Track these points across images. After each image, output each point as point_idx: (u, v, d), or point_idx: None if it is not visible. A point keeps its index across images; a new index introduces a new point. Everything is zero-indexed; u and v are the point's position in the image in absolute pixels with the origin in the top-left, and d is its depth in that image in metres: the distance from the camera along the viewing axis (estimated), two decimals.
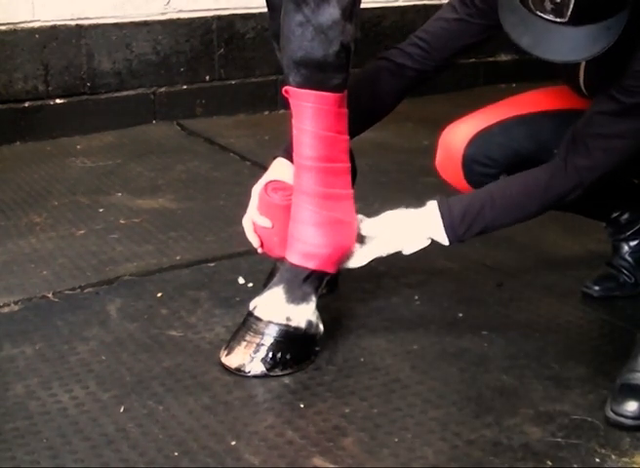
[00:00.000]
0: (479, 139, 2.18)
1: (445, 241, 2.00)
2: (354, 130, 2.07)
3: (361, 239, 2.06)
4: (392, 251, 2.05)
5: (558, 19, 1.76)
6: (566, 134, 2.00)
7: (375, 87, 2.18)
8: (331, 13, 1.89)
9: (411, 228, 2.02)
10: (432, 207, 2.01)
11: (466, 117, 2.24)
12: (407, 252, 2.05)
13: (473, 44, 2.15)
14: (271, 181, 2.14)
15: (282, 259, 2.09)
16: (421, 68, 2.17)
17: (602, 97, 1.92)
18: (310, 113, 1.96)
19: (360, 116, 2.12)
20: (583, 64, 2.03)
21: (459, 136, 2.21)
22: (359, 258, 2.07)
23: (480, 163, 2.18)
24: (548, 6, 1.75)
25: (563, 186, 1.95)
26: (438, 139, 2.28)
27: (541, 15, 1.77)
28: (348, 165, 2.06)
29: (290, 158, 2.11)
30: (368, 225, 2.06)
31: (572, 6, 1.74)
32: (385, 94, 2.19)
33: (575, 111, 2.13)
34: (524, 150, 2.16)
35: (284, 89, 1.98)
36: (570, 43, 1.78)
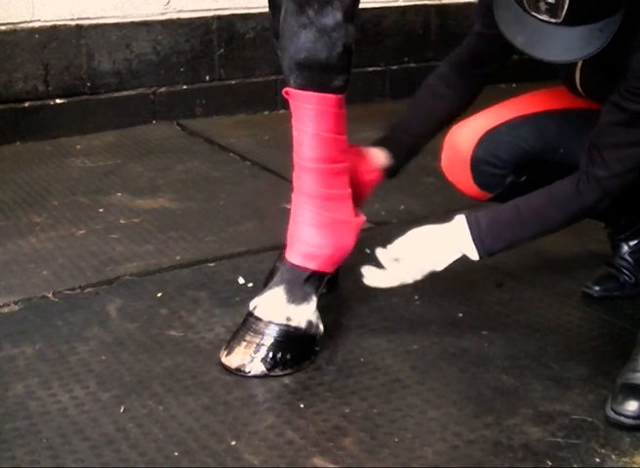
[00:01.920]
0: (487, 140, 2.16)
1: (474, 255, 1.98)
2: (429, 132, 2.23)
3: (391, 259, 2.02)
4: (426, 271, 2.01)
5: (552, 20, 1.77)
6: (578, 146, 1.99)
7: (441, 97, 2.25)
8: (334, 15, 1.90)
9: (440, 245, 2.00)
10: (460, 221, 1.99)
11: (471, 118, 2.22)
12: (439, 268, 2.02)
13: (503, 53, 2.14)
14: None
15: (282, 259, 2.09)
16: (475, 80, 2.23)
17: (610, 107, 1.91)
18: (311, 115, 1.96)
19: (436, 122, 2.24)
20: (579, 66, 2.03)
21: (465, 136, 2.19)
22: (390, 279, 2.03)
23: (489, 163, 2.16)
24: (543, 6, 1.76)
25: (587, 198, 1.94)
26: (442, 140, 2.26)
27: (536, 15, 1.78)
28: (347, 165, 2.06)
29: (385, 146, 2.22)
30: (396, 246, 2.02)
31: (566, 7, 1.74)
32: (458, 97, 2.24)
33: (578, 110, 2.14)
34: (531, 149, 2.15)
35: (284, 90, 1.98)
36: (564, 43, 1.79)
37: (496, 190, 2.20)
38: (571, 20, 1.76)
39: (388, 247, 2.03)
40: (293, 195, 2.06)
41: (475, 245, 1.97)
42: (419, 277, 2.02)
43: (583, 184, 1.93)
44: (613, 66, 1.89)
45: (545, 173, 2.11)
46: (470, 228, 1.97)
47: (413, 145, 2.27)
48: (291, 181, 2.10)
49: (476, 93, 2.24)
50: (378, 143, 2.26)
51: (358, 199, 2.16)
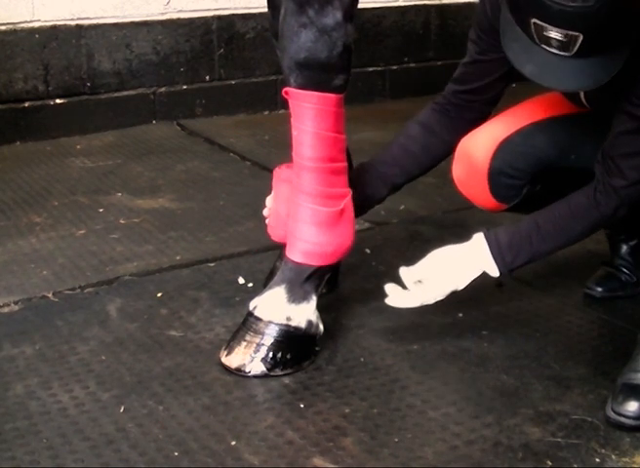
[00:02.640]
0: (502, 150, 2.12)
1: (495, 271, 1.98)
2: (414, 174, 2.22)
3: (414, 280, 2.03)
4: (448, 291, 2.02)
5: (563, 53, 1.74)
6: (588, 150, 1.99)
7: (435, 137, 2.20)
8: (334, 14, 1.90)
9: (461, 264, 2.00)
10: (479, 238, 1.99)
11: (481, 128, 2.17)
12: (460, 287, 2.02)
13: (503, 77, 2.10)
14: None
15: (283, 255, 2.09)
16: (474, 113, 2.18)
17: (622, 117, 1.91)
18: (312, 114, 1.97)
19: (420, 164, 2.21)
20: None
21: (480, 148, 2.14)
22: (413, 300, 2.03)
23: (507, 174, 2.13)
24: (554, 43, 1.73)
25: (605, 207, 1.94)
26: (454, 153, 2.22)
27: (546, 48, 1.75)
28: (346, 164, 2.07)
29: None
30: (419, 268, 2.03)
31: (579, 43, 1.71)
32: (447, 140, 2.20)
33: (586, 114, 2.12)
34: (545, 157, 2.12)
35: (284, 90, 1.98)
36: (574, 73, 1.76)
37: (513, 201, 2.17)
38: (582, 54, 1.73)
39: (411, 268, 2.03)
40: (292, 194, 2.06)
41: (496, 261, 1.97)
42: (440, 297, 2.03)
43: (600, 194, 1.93)
44: (616, 77, 1.88)
45: (559, 180, 2.10)
46: (490, 245, 1.97)
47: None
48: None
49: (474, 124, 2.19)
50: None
51: None
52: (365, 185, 2.18)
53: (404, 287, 2.03)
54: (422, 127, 2.20)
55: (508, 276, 2.46)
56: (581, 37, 1.70)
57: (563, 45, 1.72)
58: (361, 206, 2.16)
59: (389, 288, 2.04)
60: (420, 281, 2.02)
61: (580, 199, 1.97)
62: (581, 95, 2.07)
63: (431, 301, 2.04)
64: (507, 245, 1.97)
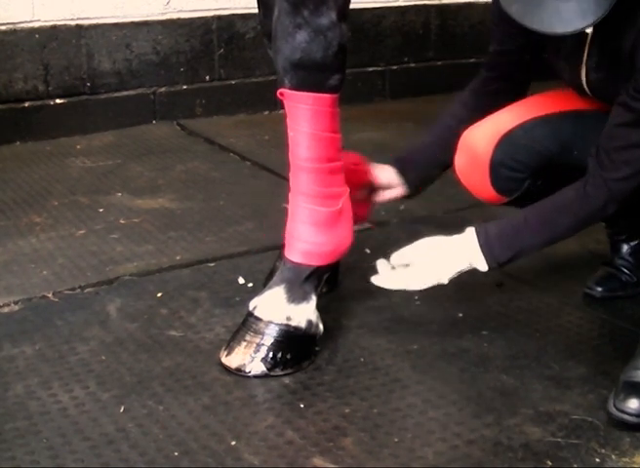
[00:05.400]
0: (505, 143, 2.13)
1: (484, 266, 1.98)
2: None
3: (402, 263, 2.03)
4: (431, 281, 2.02)
5: None
6: (591, 148, 1.99)
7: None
8: (329, 14, 1.90)
9: (448, 256, 2.00)
10: (469, 232, 1.99)
11: (485, 120, 2.17)
12: (445, 280, 2.02)
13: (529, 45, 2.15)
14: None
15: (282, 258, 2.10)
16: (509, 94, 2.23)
17: (618, 109, 1.91)
18: (307, 115, 1.97)
19: None
20: (584, 62, 2.02)
21: (483, 140, 2.15)
22: (398, 282, 2.04)
23: (508, 167, 2.13)
24: None
25: (595, 201, 1.93)
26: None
27: None
28: (342, 163, 2.07)
29: (398, 167, 2.27)
30: (407, 251, 2.03)
31: None
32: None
33: (590, 111, 2.12)
34: (547, 152, 2.12)
35: (279, 91, 1.98)
36: (558, 15, 1.77)
37: (513, 194, 2.17)
38: None
39: (400, 251, 2.03)
40: (290, 195, 2.07)
41: (484, 255, 1.97)
42: (423, 286, 2.03)
43: (591, 187, 1.93)
44: (616, 63, 1.88)
45: (561, 176, 2.10)
46: (479, 238, 1.97)
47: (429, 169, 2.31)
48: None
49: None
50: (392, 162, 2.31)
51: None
52: (417, 169, 2.27)
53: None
54: (464, 106, 2.26)
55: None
56: None
57: None
58: (416, 187, 2.28)
59: (380, 264, 2.04)
60: (407, 265, 2.02)
61: (570, 193, 1.96)
62: (583, 80, 2.06)
63: (414, 288, 2.03)
64: (497, 239, 1.97)
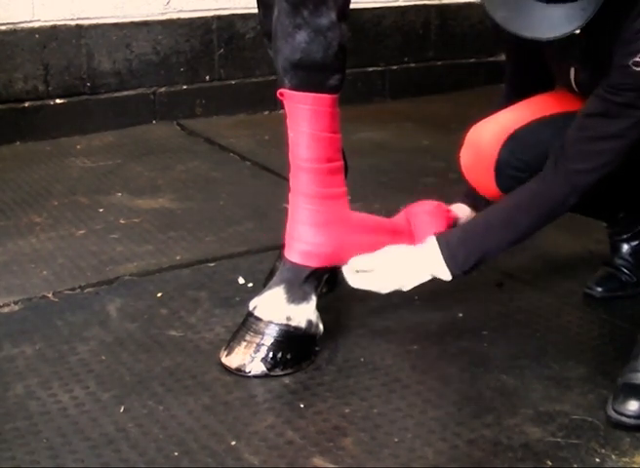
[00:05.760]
0: (511, 142, 2.12)
1: (447, 275, 1.98)
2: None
3: (361, 269, 2.05)
4: (391, 288, 2.03)
5: None
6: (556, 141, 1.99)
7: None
8: (329, 14, 1.90)
9: (409, 267, 2.01)
10: (431, 241, 1.99)
11: (493, 117, 2.18)
12: (406, 288, 2.04)
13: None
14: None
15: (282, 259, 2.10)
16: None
17: (592, 99, 1.92)
18: (307, 115, 1.97)
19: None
20: (573, 70, 2.03)
21: (489, 138, 2.15)
22: (356, 280, 2.05)
23: (513, 167, 2.12)
24: None
25: (555, 193, 1.93)
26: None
27: None
28: (342, 163, 2.07)
29: (469, 203, 2.27)
30: (365, 259, 2.04)
31: None
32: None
33: None
34: None
35: (279, 92, 1.98)
36: (544, 21, 1.78)
37: None
38: None
39: (360, 257, 2.04)
40: (290, 195, 2.07)
41: (447, 264, 1.97)
42: (383, 292, 2.05)
43: (551, 181, 1.93)
44: (601, 64, 1.89)
45: None
46: (441, 248, 1.97)
47: None
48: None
49: None
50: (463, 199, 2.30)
51: None
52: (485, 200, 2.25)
53: None
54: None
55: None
56: None
57: None
58: None
59: (345, 268, 2.06)
60: (366, 271, 2.03)
61: (529, 186, 1.97)
62: (572, 79, 2.06)
63: (375, 290, 2.05)
64: (459, 247, 1.97)
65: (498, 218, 1.98)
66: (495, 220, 1.98)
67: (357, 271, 2.05)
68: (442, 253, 1.97)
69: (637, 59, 1.80)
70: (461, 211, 2.28)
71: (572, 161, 1.91)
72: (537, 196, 1.95)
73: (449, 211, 2.25)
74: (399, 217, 2.25)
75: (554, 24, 1.78)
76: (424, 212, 2.22)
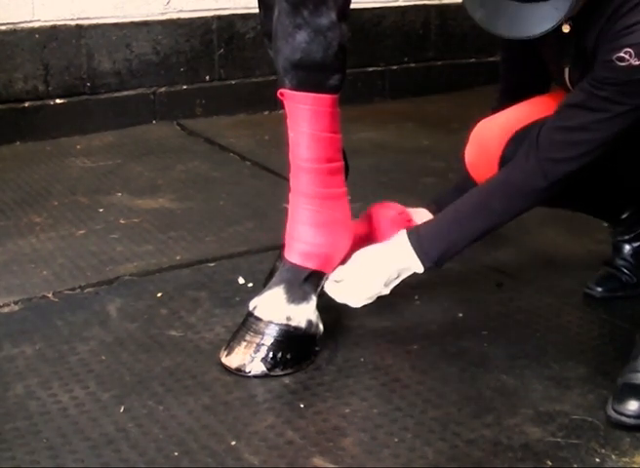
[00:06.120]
0: (516, 141, 2.11)
1: (420, 268, 1.99)
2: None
3: (333, 281, 2.07)
4: (372, 295, 2.04)
5: None
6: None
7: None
8: (329, 14, 1.90)
9: (383, 266, 2.01)
10: (401, 235, 2.00)
11: (498, 115, 2.19)
12: (386, 291, 2.04)
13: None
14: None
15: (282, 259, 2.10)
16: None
17: (575, 91, 1.94)
18: (307, 115, 1.97)
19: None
20: (567, 69, 2.04)
21: (495, 136, 2.16)
22: (333, 290, 2.06)
23: None
24: None
25: (525, 181, 1.93)
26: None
27: None
28: (342, 163, 2.07)
29: (433, 209, 2.23)
30: (340, 271, 2.05)
31: None
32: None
33: None
34: None
35: (279, 92, 1.98)
36: (520, 21, 1.79)
37: None
38: None
39: (340, 267, 2.05)
40: (290, 195, 2.07)
41: (418, 256, 1.98)
42: (364, 302, 2.06)
43: (522, 168, 1.93)
44: (590, 62, 1.90)
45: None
46: (411, 241, 1.97)
47: None
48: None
49: None
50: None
51: None
52: None
53: None
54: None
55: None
56: None
57: None
58: None
59: (327, 280, 2.06)
60: (338, 282, 2.04)
61: (499, 174, 1.97)
62: (566, 79, 2.07)
63: (355, 305, 2.07)
64: (430, 239, 1.97)
65: (470, 207, 1.98)
66: (465, 209, 1.98)
67: (336, 281, 2.05)
68: (412, 246, 1.97)
69: (620, 55, 1.82)
70: (421, 215, 2.26)
71: (546, 149, 1.92)
72: (508, 183, 1.96)
73: (410, 220, 2.24)
74: (363, 219, 2.25)
75: (529, 24, 1.79)
76: (387, 218, 2.22)
